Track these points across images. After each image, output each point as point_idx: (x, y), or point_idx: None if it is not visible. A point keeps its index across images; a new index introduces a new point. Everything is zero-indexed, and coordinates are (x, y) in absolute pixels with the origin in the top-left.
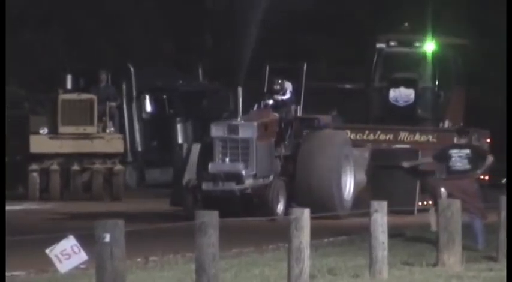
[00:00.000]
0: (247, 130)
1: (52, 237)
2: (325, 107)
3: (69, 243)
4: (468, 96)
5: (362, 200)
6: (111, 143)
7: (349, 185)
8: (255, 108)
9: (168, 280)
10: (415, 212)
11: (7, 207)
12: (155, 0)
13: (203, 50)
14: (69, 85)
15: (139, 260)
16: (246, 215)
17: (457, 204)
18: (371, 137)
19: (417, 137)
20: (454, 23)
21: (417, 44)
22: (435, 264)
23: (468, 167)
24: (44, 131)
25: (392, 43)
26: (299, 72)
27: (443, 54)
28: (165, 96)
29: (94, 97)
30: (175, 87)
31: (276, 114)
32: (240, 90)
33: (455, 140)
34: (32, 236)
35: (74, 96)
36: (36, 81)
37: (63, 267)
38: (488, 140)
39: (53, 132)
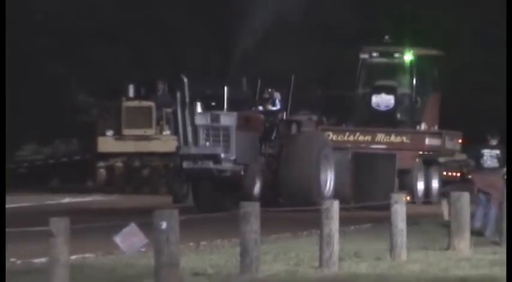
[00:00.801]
0: (227, 119)
1: (116, 224)
2: (311, 111)
3: (132, 229)
4: (442, 101)
5: (345, 195)
6: (167, 143)
7: (329, 181)
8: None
9: (216, 262)
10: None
11: (78, 199)
12: (204, 19)
13: (246, 62)
14: (131, 93)
15: (191, 244)
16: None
17: (466, 196)
18: (351, 138)
19: (392, 138)
20: (430, 35)
21: (396, 55)
22: (447, 248)
23: (497, 165)
24: (110, 133)
25: (375, 54)
26: (288, 83)
27: (420, 63)
28: (213, 103)
29: (153, 104)
30: (222, 95)
31: (262, 115)
32: (226, 88)
33: (426, 141)
34: (99, 223)
35: (135, 103)
36: (103, 91)
37: (127, 250)
38: (460, 141)
39: (118, 134)
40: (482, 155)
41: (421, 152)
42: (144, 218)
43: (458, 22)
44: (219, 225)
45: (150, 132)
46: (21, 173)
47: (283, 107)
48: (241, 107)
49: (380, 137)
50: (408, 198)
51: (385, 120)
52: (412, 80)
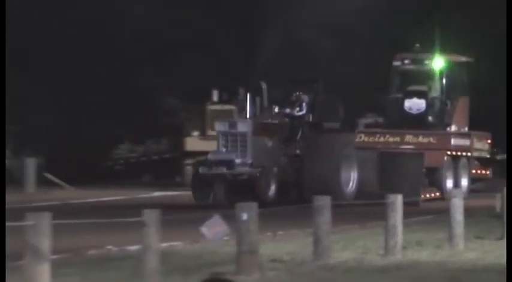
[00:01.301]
0: (244, 125)
1: (202, 216)
2: (351, 113)
3: (216, 220)
4: (472, 104)
5: (372, 192)
6: None
7: (352, 180)
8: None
9: (291, 249)
10: (419, 203)
11: (167, 193)
12: (281, 32)
13: (319, 69)
14: (215, 98)
15: (268, 234)
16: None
17: None
18: (381, 139)
19: (420, 139)
20: (460, 41)
21: (426, 62)
22: (500, 238)
23: None
24: (196, 133)
25: (406, 61)
26: (316, 86)
27: (449, 69)
28: (287, 108)
29: (234, 107)
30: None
31: (284, 119)
32: (248, 95)
33: (452, 141)
34: (186, 215)
35: (218, 106)
36: (190, 96)
37: (211, 239)
38: (489, 141)
39: (202, 135)
40: None
41: (449, 152)
42: (227, 210)
43: (484, 30)
44: (292, 217)
45: None
46: (118, 170)
47: (309, 110)
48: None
49: (408, 138)
50: (438, 194)
51: (417, 122)
52: (442, 84)
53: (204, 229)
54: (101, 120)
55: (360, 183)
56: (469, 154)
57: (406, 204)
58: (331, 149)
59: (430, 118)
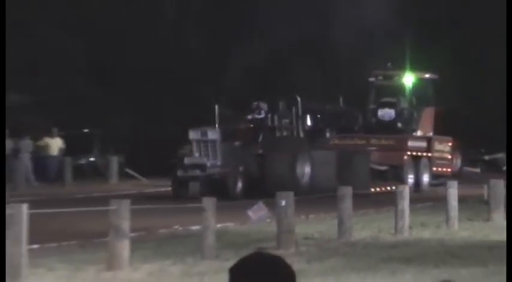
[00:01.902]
0: (213, 133)
1: (249, 202)
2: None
3: (260, 206)
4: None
5: (330, 185)
6: None
7: (306, 174)
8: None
9: (320, 229)
10: (370, 195)
11: None
12: (311, 54)
13: (341, 84)
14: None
15: (302, 217)
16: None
17: (500, 183)
18: (352, 142)
19: (382, 141)
20: (427, 59)
21: (397, 78)
22: (488, 220)
23: None
24: None
25: (380, 78)
26: (295, 102)
27: (416, 84)
28: (318, 116)
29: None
30: (325, 109)
31: (249, 125)
32: (216, 107)
33: (410, 143)
34: (237, 202)
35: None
36: (237, 106)
37: (256, 221)
38: (450, 144)
39: None
40: None
41: (408, 152)
42: (268, 198)
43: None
44: (320, 203)
45: None
46: None
47: (267, 116)
48: (339, 118)
49: (373, 141)
50: (391, 187)
51: (389, 128)
52: (410, 97)
53: (250, 213)
54: (169, 124)
55: (318, 178)
56: (429, 154)
57: (356, 195)
58: (287, 149)
59: (399, 125)
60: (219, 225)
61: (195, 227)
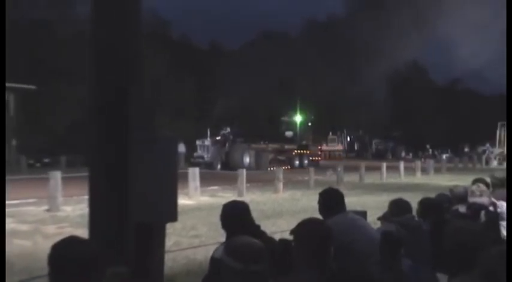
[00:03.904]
0: (207, 141)
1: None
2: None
3: None
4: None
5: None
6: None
7: (250, 161)
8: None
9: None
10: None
11: None
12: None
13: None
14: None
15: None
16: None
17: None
18: (270, 147)
19: (287, 146)
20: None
21: (290, 119)
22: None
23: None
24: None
25: (284, 119)
26: (237, 122)
27: (302, 122)
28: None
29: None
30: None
31: (224, 137)
32: (208, 130)
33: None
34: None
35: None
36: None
37: None
38: (320, 147)
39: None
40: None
41: (295, 151)
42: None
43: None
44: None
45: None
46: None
47: (232, 134)
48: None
49: (285, 146)
50: (289, 167)
51: (293, 142)
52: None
53: None
54: (191, 138)
55: (256, 163)
56: (306, 152)
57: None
58: (238, 151)
59: (299, 140)
60: None
61: None
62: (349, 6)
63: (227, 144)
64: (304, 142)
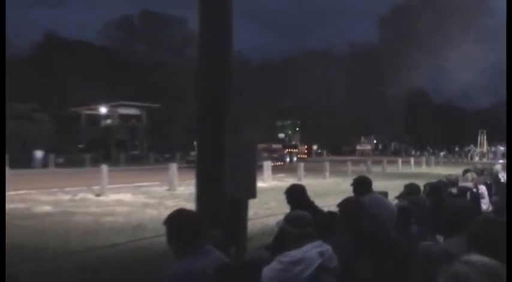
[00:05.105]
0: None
1: None
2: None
3: None
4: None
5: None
6: None
7: None
8: None
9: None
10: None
11: None
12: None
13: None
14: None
15: None
16: None
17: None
18: (263, 146)
19: (275, 146)
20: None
21: (285, 123)
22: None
23: None
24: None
25: (279, 123)
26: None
27: (291, 125)
28: None
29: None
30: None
31: None
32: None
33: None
34: None
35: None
36: None
37: None
38: (306, 146)
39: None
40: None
41: (287, 150)
42: None
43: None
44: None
45: None
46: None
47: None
48: None
49: (273, 146)
50: (282, 163)
51: (285, 143)
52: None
53: None
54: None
55: None
56: (295, 150)
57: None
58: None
59: (290, 142)
60: None
61: None
62: (379, 38)
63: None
64: (293, 142)
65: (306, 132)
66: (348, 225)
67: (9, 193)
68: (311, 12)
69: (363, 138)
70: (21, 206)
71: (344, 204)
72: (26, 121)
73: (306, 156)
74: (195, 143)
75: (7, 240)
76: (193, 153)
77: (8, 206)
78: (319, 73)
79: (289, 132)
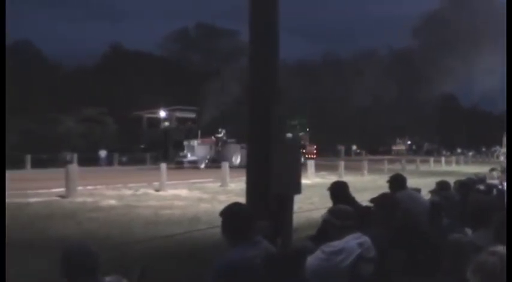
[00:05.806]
0: (193, 142)
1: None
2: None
3: None
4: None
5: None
6: None
7: (238, 159)
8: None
9: None
10: None
11: None
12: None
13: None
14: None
15: None
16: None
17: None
18: None
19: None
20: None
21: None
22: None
23: None
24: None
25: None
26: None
27: (300, 124)
28: None
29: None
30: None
31: (214, 139)
32: (199, 132)
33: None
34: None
35: None
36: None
37: None
38: (315, 146)
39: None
40: None
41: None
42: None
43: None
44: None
45: None
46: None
47: (224, 135)
48: None
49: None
50: None
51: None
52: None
53: None
54: None
55: (242, 162)
56: (303, 151)
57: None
58: (232, 150)
59: (297, 141)
60: None
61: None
62: (416, 42)
63: (219, 144)
64: (302, 142)
65: (344, 133)
66: (383, 218)
67: (78, 188)
68: (354, 23)
69: (398, 139)
70: (89, 199)
71: (380, 200)
72: (94, 124)
73: (314, 156)
74: (185, 143)
75: (79, 230)
76: (182, 153)
77: (78, 199)
78: (360, 79)
79: (299, 131)
